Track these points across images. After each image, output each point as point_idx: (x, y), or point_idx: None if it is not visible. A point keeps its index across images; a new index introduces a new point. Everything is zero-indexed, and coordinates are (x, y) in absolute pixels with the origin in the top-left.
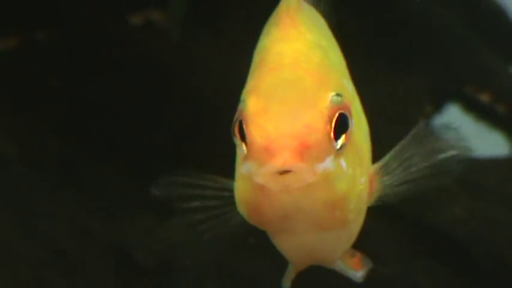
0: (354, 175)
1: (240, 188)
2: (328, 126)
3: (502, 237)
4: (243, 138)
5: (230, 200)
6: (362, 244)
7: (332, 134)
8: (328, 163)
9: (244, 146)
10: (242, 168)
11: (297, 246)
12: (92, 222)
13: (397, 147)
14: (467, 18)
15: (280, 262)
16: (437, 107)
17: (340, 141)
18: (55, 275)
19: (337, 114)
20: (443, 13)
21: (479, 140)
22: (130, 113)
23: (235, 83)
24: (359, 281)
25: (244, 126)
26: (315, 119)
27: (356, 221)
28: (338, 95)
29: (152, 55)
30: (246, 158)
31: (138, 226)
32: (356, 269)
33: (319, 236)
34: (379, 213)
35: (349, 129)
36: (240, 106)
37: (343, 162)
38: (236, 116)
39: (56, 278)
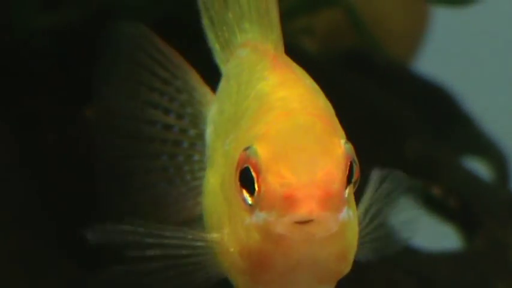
0: (356, 226)
1: (243, 238)
2: (344, 176)
3: None
4: (248, 187)
5: (204, 250)
6: None
7: (345, 184)
8: (345, 213)
9: (248, 195)
10: (250, 218)
11: None
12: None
13: (365, 199)
14: (416, 108)
15: None
16: None
17: (347, 191)
18: None
19: (349, 163)
20: (391, 100)
21: (431, 232)
22: (80, 201)
23: None
24: None
25: (253, 174)
26: (335, 167)
27: None
28: (347, 142)
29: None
30: (258, 207)
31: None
32: None
33: None
34: None
35: (355, 178)
36: (245, 154)
37: (350, 212)
38: (237, 165)
39: None
